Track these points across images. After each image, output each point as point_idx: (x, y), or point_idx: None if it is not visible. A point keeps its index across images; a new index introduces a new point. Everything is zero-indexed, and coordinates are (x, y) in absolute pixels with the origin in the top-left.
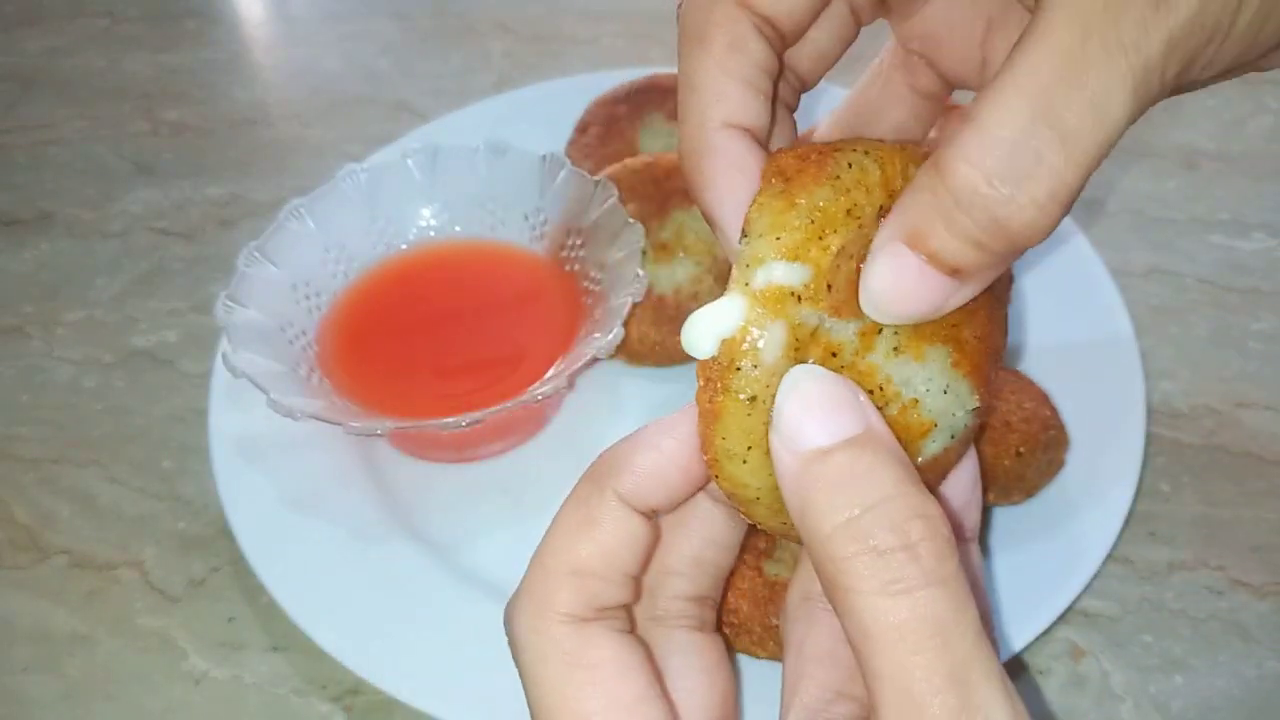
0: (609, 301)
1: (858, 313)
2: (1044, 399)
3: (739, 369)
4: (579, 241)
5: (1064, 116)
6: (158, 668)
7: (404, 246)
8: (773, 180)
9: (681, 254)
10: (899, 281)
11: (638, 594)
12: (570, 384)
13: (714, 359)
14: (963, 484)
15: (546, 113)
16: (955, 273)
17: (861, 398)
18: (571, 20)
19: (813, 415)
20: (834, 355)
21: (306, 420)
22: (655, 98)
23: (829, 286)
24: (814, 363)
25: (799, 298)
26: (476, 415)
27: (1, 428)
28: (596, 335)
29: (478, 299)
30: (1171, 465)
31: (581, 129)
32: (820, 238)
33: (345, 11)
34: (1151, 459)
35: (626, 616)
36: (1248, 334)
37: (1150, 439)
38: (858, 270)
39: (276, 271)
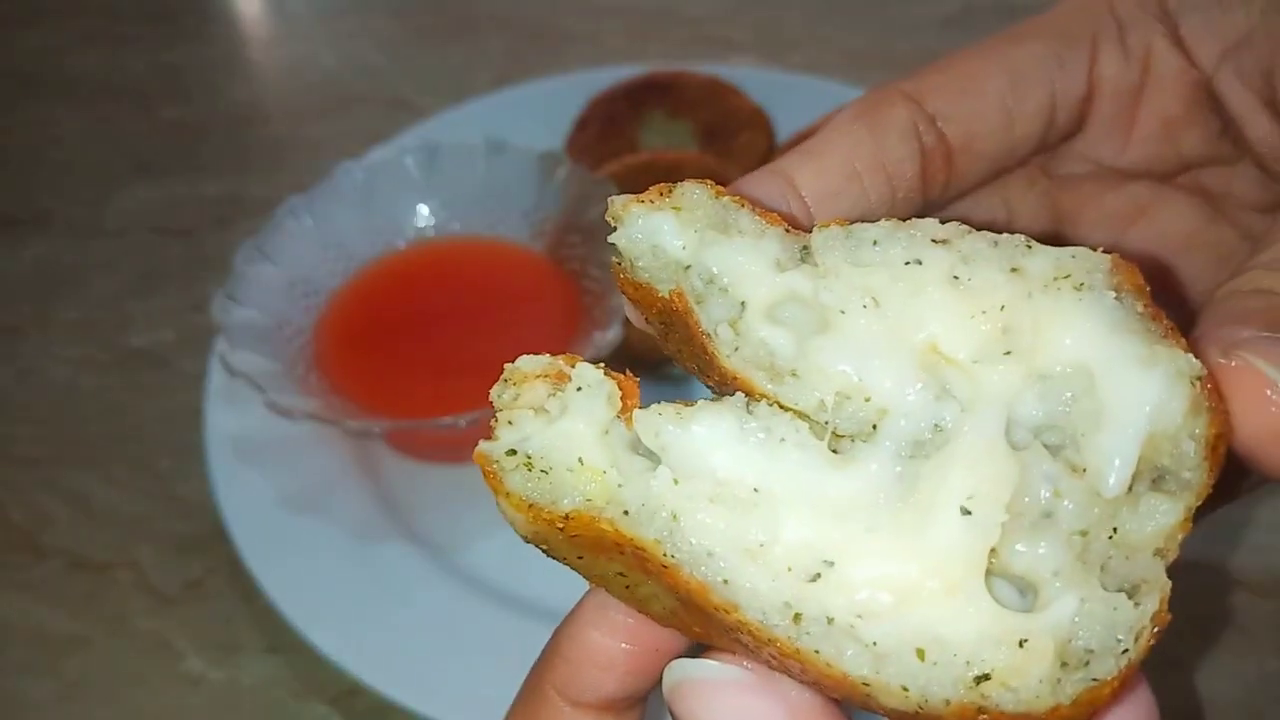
0: (608, 300)
1: None
2: None
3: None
4: (578, 239)
5: None
6: (155, 669)
7: (402, 244)
8: None
9: None
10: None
11: None
12: None
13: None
14: None
15: (546, 109)
16: None
17: (776, 698)
18: (571, 16)
19: None
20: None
21: (303, 419)
22: (655, 94)
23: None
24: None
25: None
26: (474, 415)
27: None
28: (595, 334)
29: (476, 297)
30: None
31: (581, 126)
32: None
33: (342, 8)
34: None
35: None
36: None
37: None
38: None
39: (274, 270)
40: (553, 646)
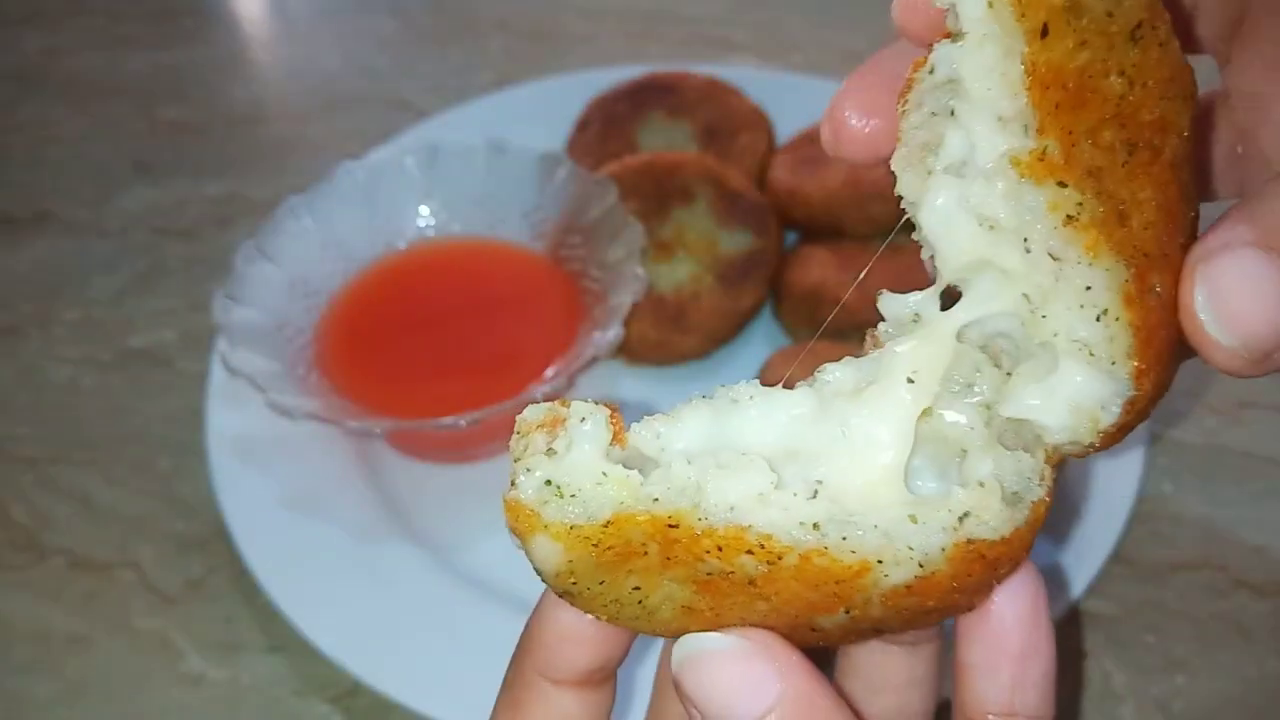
0: (609, 300)
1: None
2: None
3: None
4: (579, 240)
5: None
6: (156, 668)
7: (403, 245)
8: None
9: (682, 253)
10: (1261, 290)
11: None
12: (570, 383)
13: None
14: (1003, 652)
15: (546, 110)
16: None
17: (768, 661)
18: (571, 17)
19: (716, 703)
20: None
21: (304, 420)
22: (655, 95)
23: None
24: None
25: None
26: (476, 415)
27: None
28: (596, 334)
29: (477, 298)
30: (1173, 465)
31: (581, 127)
32: None
33: (343, 9)
34: (1154, 459)
35: None
36: None
37: (1152, 439)
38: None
39: (274, 270)
40: (528, 634)
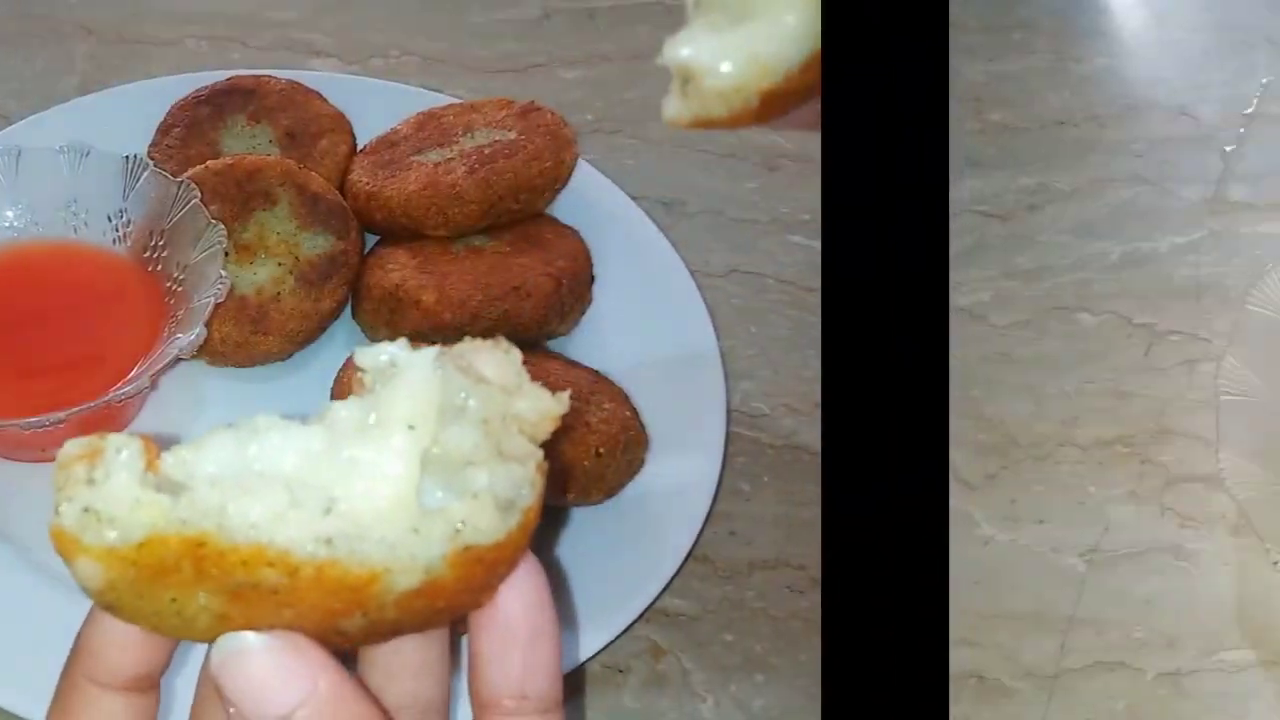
0: (191, 302)
1: None
2: (624, 399)
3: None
4: (161, 242)
5: None
6: None
7: None
8: None
9: (263, 255)
10: None
11: None
12: (153, 384)
13: None
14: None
15: (130, 115)
16: None
17: (299, 656)
18: (154, 22)
19: (251, 697)
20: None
21: None
22: (237, 100)
23: None
24: None
25: None
26: (58, 415)
27: None
28: (179, 335)
29: (60, 301)
30: (752, 465)
31: (164, 131)
32: None
33: None
34: (732, 459)
35: None
36: None
37: (731, 439)
38: None
39: None
40: (78, 642)
